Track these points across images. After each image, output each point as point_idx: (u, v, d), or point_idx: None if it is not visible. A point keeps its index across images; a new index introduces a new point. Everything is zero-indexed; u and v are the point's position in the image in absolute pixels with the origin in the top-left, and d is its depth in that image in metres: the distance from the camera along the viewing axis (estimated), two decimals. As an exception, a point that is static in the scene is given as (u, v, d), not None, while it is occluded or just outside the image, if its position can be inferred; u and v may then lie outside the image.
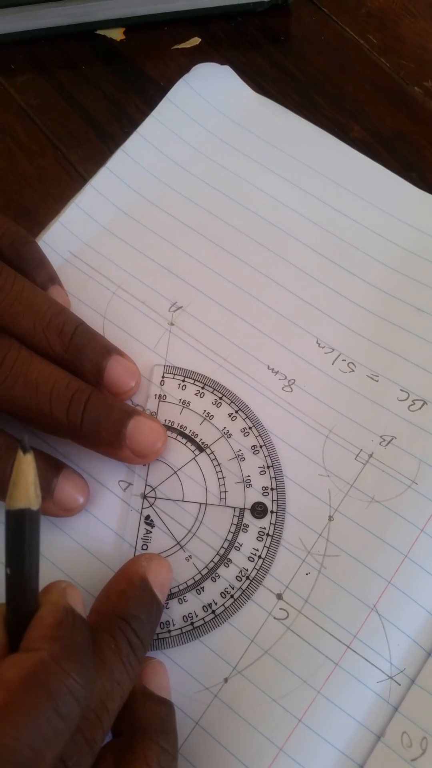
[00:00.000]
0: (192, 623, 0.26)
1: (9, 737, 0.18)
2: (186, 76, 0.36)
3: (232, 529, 0.28)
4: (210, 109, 0.36)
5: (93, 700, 0.21)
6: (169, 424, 0.29)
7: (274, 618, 0.26)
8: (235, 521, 0.28)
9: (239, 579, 0.27)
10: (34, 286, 0.28)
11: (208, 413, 0.29)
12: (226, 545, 0.27)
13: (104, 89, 0.38)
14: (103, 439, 0.26)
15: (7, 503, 0.20)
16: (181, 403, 0.30)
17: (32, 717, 0.18)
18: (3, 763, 0.18)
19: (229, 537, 0.28)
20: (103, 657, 0.22)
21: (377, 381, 0.30)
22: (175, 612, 0.27)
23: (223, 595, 0.27)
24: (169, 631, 0.26)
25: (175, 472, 0.29)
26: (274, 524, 0.28)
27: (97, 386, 0.28)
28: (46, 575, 0.21)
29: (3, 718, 0.18)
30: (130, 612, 0.23)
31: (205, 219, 0.33)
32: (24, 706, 0.18)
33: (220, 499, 0.28)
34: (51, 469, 0.27)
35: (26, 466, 0.20)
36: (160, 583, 0.25)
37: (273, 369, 0.30)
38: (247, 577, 0.27)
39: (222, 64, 0.37)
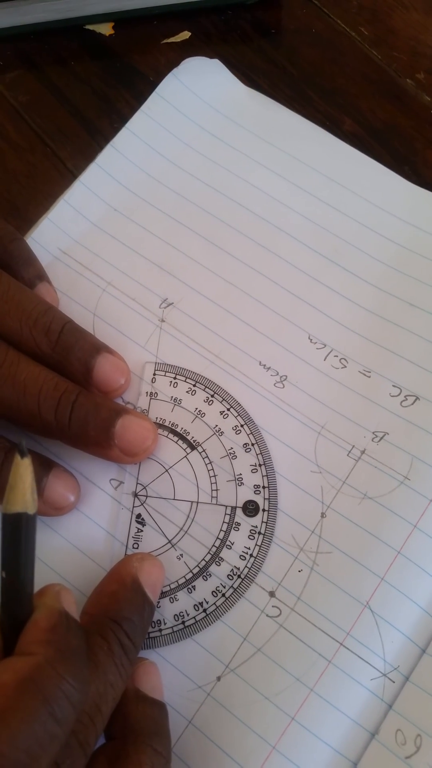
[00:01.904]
0: (183, 622, 0.26)
1: (5, 743, 0.18)
2: (175, 70, 0.36)
3: (224, 528, 0.27)
4: (200, 103, 0.35)
5: (86, 703, 0.21)
6: (161, 422, 0.29)
7: (267, 616, 0.26)
8: (227, 519, 0.28)
9: (231, 577, 0.27)
10: (21, 285, 0.28)
11: (199, 411, 0.29)
12: (217, 543, 0.27)
13: (93, 85, 0.38)
14: (91, 439, 0.26)
15: (4, 507, 0.20)
16: (172, 401, 0.29)
17: (28, 722, 0.18)
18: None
19: (221, 535, 0.27)
20: (96, 660, 0.22)
21: (369, 377, 0.30)
22: (167, 611, 0.26)
23: (214, 593, 0.27)
24: (161, 630, 0.26)
25: (167, 471, 0.28)
26: (266, 522, 0.27)
27: (86, 385, 0.27)
28: (37, 574, 0.21)
29: (1, 724, 0.18)
30: (121, 614, 0.23)
31: (195, 215, 0.33)
32: (20, 711, 0.18)
33: (212, 497, 0.28)
34: (41, 467, 0.27)
35: (24, 470, 0.20)
36: (152, 583, 0.25)
37: (265, 365, 0.30)
38: (239, 576, 0.27)
39: (212, 58, 0.37)
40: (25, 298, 0.27)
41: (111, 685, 0.22)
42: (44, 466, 0.27)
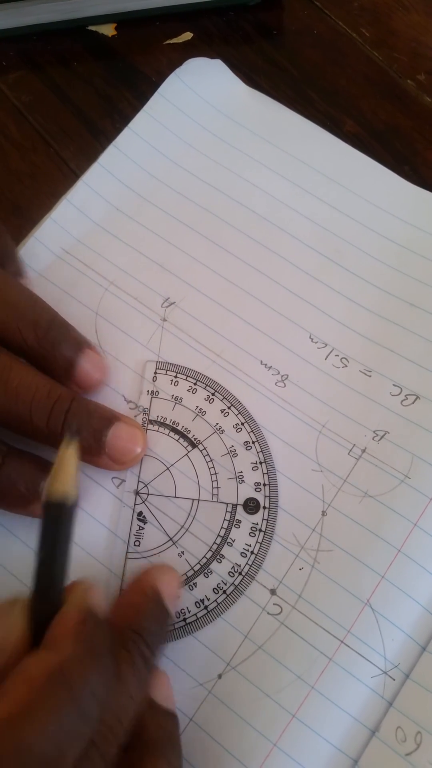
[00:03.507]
0: (185, 619, 0.26)
1: (34, 735, 0.18)
2: (177, 71, 0.36)
3: (225, 525, 0.28)
4: (202, 103, 0.36)
5: (107, 714, 0.20)
6: (162, 421, 0.29)
7: (268, 613, 0.26)
8: (228, 517, 0.28)
9: (232, 574, 0.27)
10: (6, 276, 0.28)
11: (200, 409, 0.29)
12: (218, 541, 0.27)
13: (96, 85, 0.38)
14: (82, 447, 0.26)
15: (46, 493, 0.21)
16: (173, 399, 0.30)
17: (56, 716, 0.18)
18: (27, 760, 0.17)
19: (222, 533, 0.27)
20: (118, 671, 0.21)
21: (370, 376, 0.30)
22: (168, 608, 0.26)
23: (215, 590, 0.27)
24: (162, 628, 0.26)
25: (168, 469, 0.29)
26: (267, 520, 0.28)
27: (66, 380, 0.27)
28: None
29: (27, 715, 0.18)
30: (143, 625, 0.23)
31: (197, 215, 0.33)
32: (47, 704, 0.18)
33: (213, 495, 0.28)
34: (38, 469, 0.26)
35: (69, 457, 0.21)
36: (171, 595, 0.25)
37: (266, 364, 0.30)
38: (240, 573, 0.27)
39: (214, 58, 0.37)
40: (12, 292, 0.27)
41: (131, 697, 0.21)
42: (42, 468, 0.27)
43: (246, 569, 0.27)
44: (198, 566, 0.27)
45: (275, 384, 0.30)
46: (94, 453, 0.27)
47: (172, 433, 0.29)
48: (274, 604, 0.27)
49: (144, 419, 0.29)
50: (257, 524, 0.28)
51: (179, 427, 0.29)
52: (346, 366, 0.30)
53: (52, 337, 0.27)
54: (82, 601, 0.21)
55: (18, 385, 0.26)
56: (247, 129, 0.35)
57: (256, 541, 0.27)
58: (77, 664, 0.19)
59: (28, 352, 0.27)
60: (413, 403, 0.29)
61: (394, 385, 0.30)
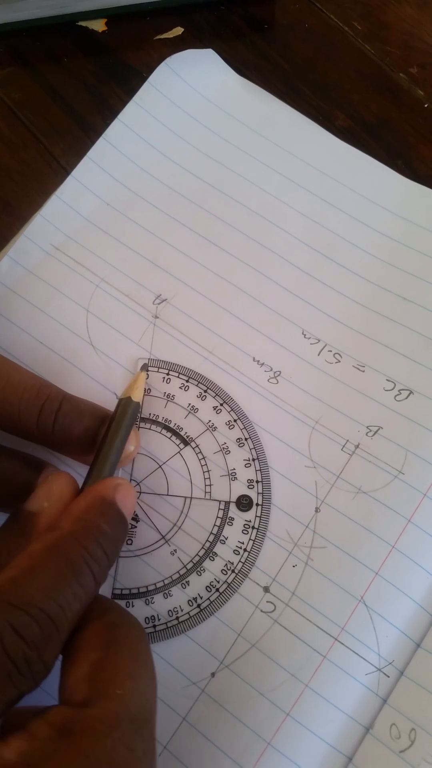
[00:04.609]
0: (177, 617, 0.26)
1: (37, 592, 0.19)
2: (168, 60, 0.35)
3: (218, 523, 0.27)
4: (193, 94, 0.35)
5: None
6: (154, 418, 0.29)
7: (261, 611, 0.26)
8: (221, 514, 0.27)
9: (225, 572, 0.27)
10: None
11: (192, 406, 0.29)
12: (211, 539, 0.27)
13: (86, 81, 0.38)
14: (74, 447, 0.26)
15: (122, 393, 0.27)
16: (165, 397, 0.29)
17: (55, 579, 0.20)
18: (32, 611, 0.19)
19: (215, 530, 0.27)
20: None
21: (363, 371, 0.30)
22: (161, 606, 0.26)
23: (208, 588, 0.26)
24: (155, 626, 0.26)
25: (160, 466, 0.28)
26: (260, 517, 0.27)
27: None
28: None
29: (29, 577, 0.20)
30: (100, 525, 0.22)
31: (188, 210, 0.33)
32: (47, 569, 0.20)
33: (206, 492, 0.28)
34: (31, 468, 0.26)
35: (141, 377, 0.27)
36: (127, 507, 0.24)
37: (259, 361, 0.30)
38: (233, 571, 0.27)
39: (205, 51, 0.37)
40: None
41: (80, 585, 0.21)
42: (34, 466, 0.26)
43: (239, 567, 0.27)
44: (191, 564, 0.27)
45: (268, 380, 0.30)
46: (87, 452, 0.26)
47: (164, 431, 0.29)
48: (267, 601, 0.26)
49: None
50: (250, 521, 0.27)
51: (171, 425, 0.29)
52: (339, 361, 0.30)
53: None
54: (98, 491, 0.23)
55: (5, 386, 0.25)
56: (239, 121, 0.35)
57: (249, 539, 0.27)
58: (72, 538, 0.21)
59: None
60: (407, 398, 0.29)
61: (387, 380, 0.29)
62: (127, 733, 0.18)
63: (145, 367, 0.29)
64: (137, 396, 0.27)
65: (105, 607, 0.22)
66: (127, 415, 0.26)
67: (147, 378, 0.30)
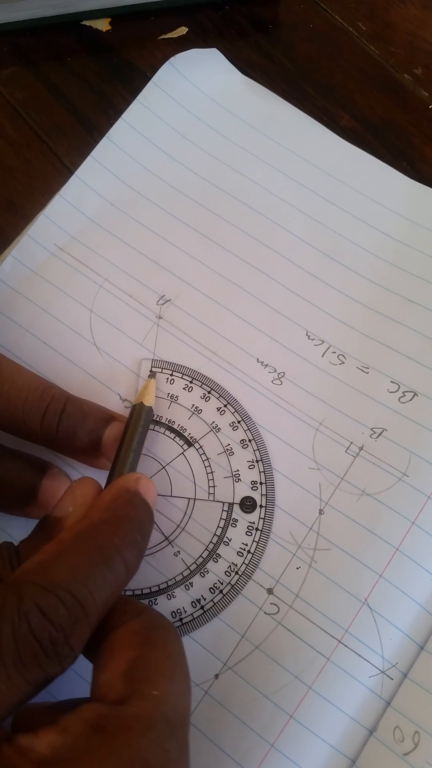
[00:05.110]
0: (181, 619, 0.26)
1: (65, 575, 0.19)
2: (172, 59, 0.35)
3: (221, 524, 0.27)
4: (197, 93, 0.35)
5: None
6: (158, 419, 0.29)
7: (265, 613, 0.26)
8: (224, 516, 0.27)
9: (228, 574, 0.27)
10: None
11: (196, 407, 0.29)
12: (215, 540, 0.27)
13: (90, 81, 0.37)
14: (78, 448, 0.26)
15: (134, 399, 0.28)
16: (169, 398, 0.29)
17: (84, 562, 0.20)
18: (60, 593, 0.19)
19: (218, 532, 0.27)
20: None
21: (367, 373, 0.30)
22: (164, 608, 0.26)
23: (212, 590, 0.26)
24: (158, 628, 0.26)
25: (164, 467, 0.28)
26: (264, 518, 0.27)
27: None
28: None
29: (58, 561, 0.20)
30: (131, 517, 0.23)
31: (192, 210, 0.33)
32: (76, 554, 0.20)
33: (209, 493, 0.28)
34: (35, 470, 0.26)
35: (151, 383, 0.28)
36: (150, 499, 0.24)
37: (262, 362, 0.30)
38: (237, 572, 0.27)
39: (209, 50, 0.37)
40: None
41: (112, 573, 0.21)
42: (38, 468, 0.26)
43: (243, 568, 0.27)
44: (194, 566, 0.27)
45: (272, 382, 0.30)
46: (91, 454, 0.26)
47: (167, 432, 0.29)
48: (271, 603, 0.26)
49: (139, 418, 0.29)
50: (254, 523, 0.27)
51: (175, 426, 0.29)
52: (343, 363, 0.30)
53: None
54: (122, 483, 0.23)
55: (9, 388, 0.25)
56: (243, 121, 0.35)
57: (253, 540, 0.27)
58: (102, 525, 0.21)
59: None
60: (411, 399, 0.29)
61: (391, 381, 0.29)
62: (162, 735, 0.18)
63: (153, 374, 0.29)
64: (149, 401, 0.27)
65: (140, 609, 0.21)
66: (141, 419, 0.27)
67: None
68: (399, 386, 0.29)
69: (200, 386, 0.29)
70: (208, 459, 0.28)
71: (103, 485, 0.25)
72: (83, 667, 0.21)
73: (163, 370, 0.30)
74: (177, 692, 0.20)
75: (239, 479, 0.28)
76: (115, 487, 0.23)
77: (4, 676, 0.18)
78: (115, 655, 0.20)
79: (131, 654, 0.20)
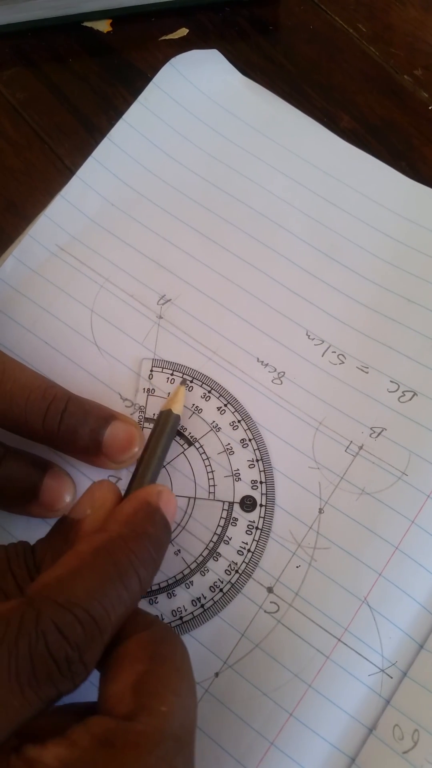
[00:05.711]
0: (181, 617, 0.26)
1: (83, 593, 0.20)
2: (173, 60, 0.36)
3: (221, 523, 0.27)
4: (198, 94, 0.35)
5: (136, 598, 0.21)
6: (158, 418, 0.29)
7: (265, 611, 0.26)
8: (224, 515, 0.28)
9: (228, 572, 0.27)
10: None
11: (196, 407, 0.29)
12: (215, 539, 0.27)
13: (91, 82, 0.38)
14: (79, 447, 0.26)
15: (163, 405, 0.28)
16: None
17: (102, 580, 0.20)
18: (78, 612, 0.19)
19: (218, 531, 0.27)
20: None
21: (367, 372, 0.30)
22: (164, 606, 0.26)
23: (212, 588, 0.27)
24: (159, 626, 0.26)
25: (164, 467, 0.28)
26: (264, 517, 0.27)
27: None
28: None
29: (76, 577, 0.20)
30: (148, 529, 0.23)
31: (192, 210, 0.33)
32: (94, 571, 0.20)
33: (209, 492, 0.28)
34: (36, 468, 0.26)
35: (180, 390, 0.28)
36: (170, 513, 0.24)
37: (263, 362, 0.30)
38: (237, 571, 0.27)
39: (210, 52, 0.37)
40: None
41: (126, 590, 0.21)
42: (40, 467, 0.27)
43: (243, 567, 0.27)
44: (194, 564, 0.27)
45: (272, 381, 0.30)
46: (92, 452, 0.26)
47: (168, 431, 0.29)
48: (271, 602, 0.26)
49: (140, 417, 0.29)
50: (254, 522, 0.27)
51: (175, 425, 0.29)
52: (343, 362, 0.30)
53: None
54: (142, 496, 0.23)
55: (12, 388, 0.26)
56: (243, 121, 0.35)
57: (253, 539, 0.27)
58: (120, 541, 0.21)
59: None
60: (411, 399, 0.29)
61: (391, 381, 0.29)
62: (170, 752, 0.18)
63: (184, 382, 0.29)
64: (177, 409, 0.28)
65: (149, 621, 0.22)
66: (168, 425, 0.27)
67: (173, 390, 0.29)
68: (399, 386, 0.29)
69: (200, 386, 0.30)
70: (208, 458, 0.28)
71: (103, 485, 0.25)
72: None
73: (164, 370, 0.30)
74: (185, 707, 0.20)
75: (239, 478, 0.28)
76: (136, 499, 0.23)
77: (18, 692, 0.18)
78: (124, 667, 0.20)
79: (140, 667, 0.20)
